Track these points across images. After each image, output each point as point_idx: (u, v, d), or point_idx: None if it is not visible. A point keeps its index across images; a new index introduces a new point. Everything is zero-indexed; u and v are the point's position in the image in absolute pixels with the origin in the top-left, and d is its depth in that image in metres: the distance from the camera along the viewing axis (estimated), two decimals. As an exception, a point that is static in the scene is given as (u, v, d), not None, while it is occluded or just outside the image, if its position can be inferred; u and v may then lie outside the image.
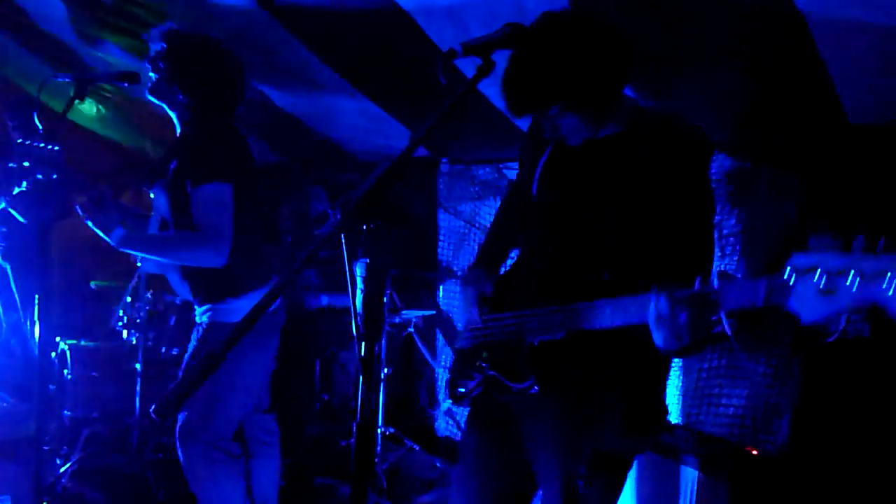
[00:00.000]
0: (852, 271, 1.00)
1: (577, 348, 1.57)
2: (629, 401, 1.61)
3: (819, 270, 1.05)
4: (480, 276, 1.87)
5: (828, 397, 2.97)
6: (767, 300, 1.16)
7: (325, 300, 4.30)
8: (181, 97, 2.32)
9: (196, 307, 2.43)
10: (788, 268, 1.10)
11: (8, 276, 4.11)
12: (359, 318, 1.17)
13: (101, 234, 2.31)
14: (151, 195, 2.43)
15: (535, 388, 1.61)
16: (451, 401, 1.88)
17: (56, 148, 2.31)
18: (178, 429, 2.30)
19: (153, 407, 0.92)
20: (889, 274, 0.97)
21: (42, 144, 2.28)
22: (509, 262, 1.95)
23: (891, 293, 0.97)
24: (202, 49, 2.37)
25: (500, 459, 1.77)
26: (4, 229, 3.99)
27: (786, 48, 2.52)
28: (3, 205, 2.94)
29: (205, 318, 2.38)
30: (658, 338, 1.37)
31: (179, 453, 2.30)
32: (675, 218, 1.53)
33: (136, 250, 2.34)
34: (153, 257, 2.33)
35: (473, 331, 1.83)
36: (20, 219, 3.49)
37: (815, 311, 1.07)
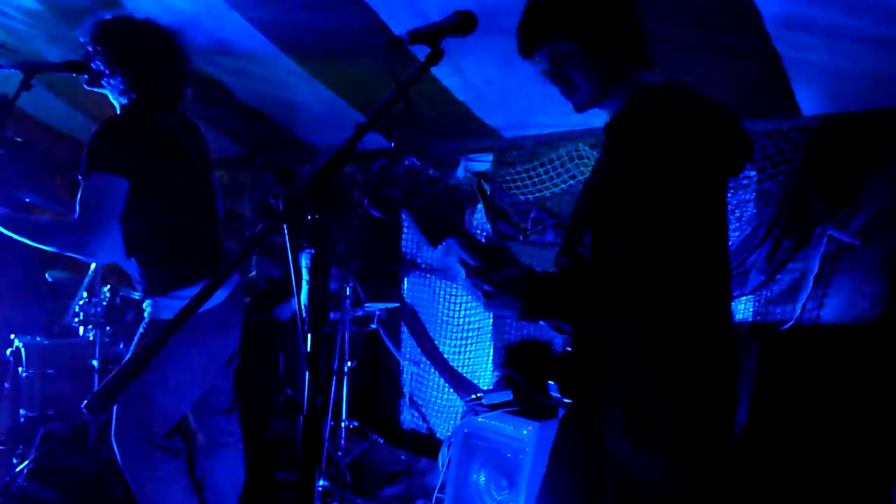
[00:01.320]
0: None
1: (583, 351, 1.52)
2: (634, 412, 1.42)
3: None
4: None
5: (784, 383, 3.03)
6: None
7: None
8: (117, 84, 2.26)
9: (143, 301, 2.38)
10: None
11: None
12: (304, 310, 1.15)
13: None
14: None
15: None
16: None
17: None
18: (112, 428, 2.25)
19: (84, 402, 0.90)
20: None
21: None
22: None
23: None
24: (136, 35, 2.28)
25: None
26: None
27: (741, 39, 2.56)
28: None
29: (146, 315, 2.33)
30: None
31: (116, 452, 2.25)
32: (626, 208, 1.37)
33: (15, 234, 2.20)
34: (29, 242, 2.21)
35: None
36: None
37: None
